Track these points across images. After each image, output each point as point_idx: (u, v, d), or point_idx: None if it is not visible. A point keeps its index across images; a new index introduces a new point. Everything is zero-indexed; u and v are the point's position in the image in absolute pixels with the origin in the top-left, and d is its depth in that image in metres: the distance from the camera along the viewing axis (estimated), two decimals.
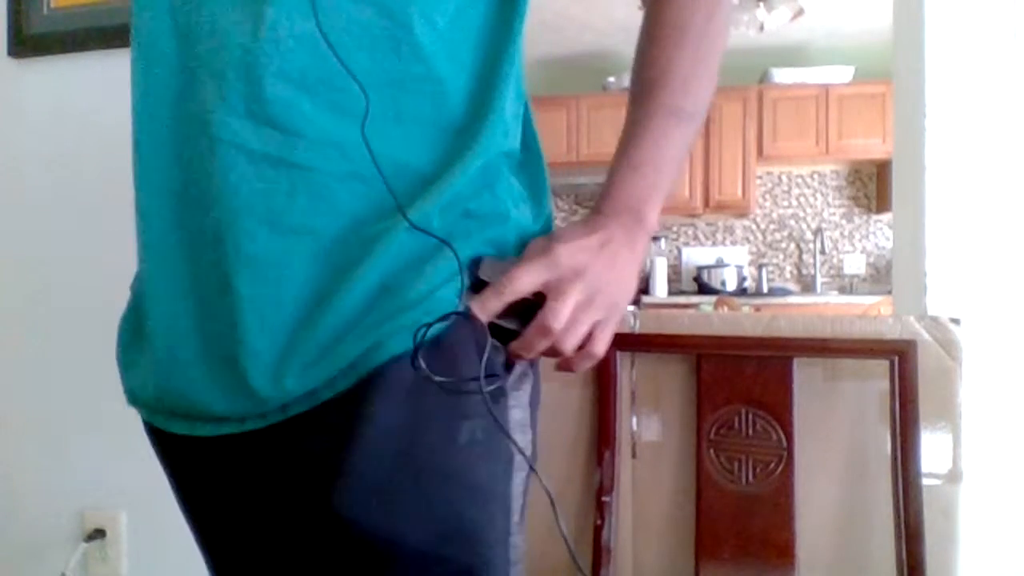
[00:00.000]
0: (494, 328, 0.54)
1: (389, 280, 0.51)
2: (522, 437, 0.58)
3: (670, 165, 0.61)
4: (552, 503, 0.51)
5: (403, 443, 0.50)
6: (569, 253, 0.55)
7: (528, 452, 0.59)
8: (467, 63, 0.56)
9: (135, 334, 0.60)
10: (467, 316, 0.52)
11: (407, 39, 0.52)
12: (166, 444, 0.61)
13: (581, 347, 0.57)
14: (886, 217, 4.59)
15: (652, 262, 4.60)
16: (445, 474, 0.51)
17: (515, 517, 0.58)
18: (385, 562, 0.50)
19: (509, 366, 0.57)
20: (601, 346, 0.58)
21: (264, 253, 0.50)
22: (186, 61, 0.53)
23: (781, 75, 4.42)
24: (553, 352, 0.56)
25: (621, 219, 0.58)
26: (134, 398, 0.60)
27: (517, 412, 0.58)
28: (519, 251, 0.57)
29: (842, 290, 4.59)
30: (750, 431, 1.09)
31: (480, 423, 0.52)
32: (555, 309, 0.53)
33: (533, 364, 0.61)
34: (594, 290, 0.55)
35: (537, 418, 0.62)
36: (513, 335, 0.55)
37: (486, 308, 0.52)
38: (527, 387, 0.59)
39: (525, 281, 0.53)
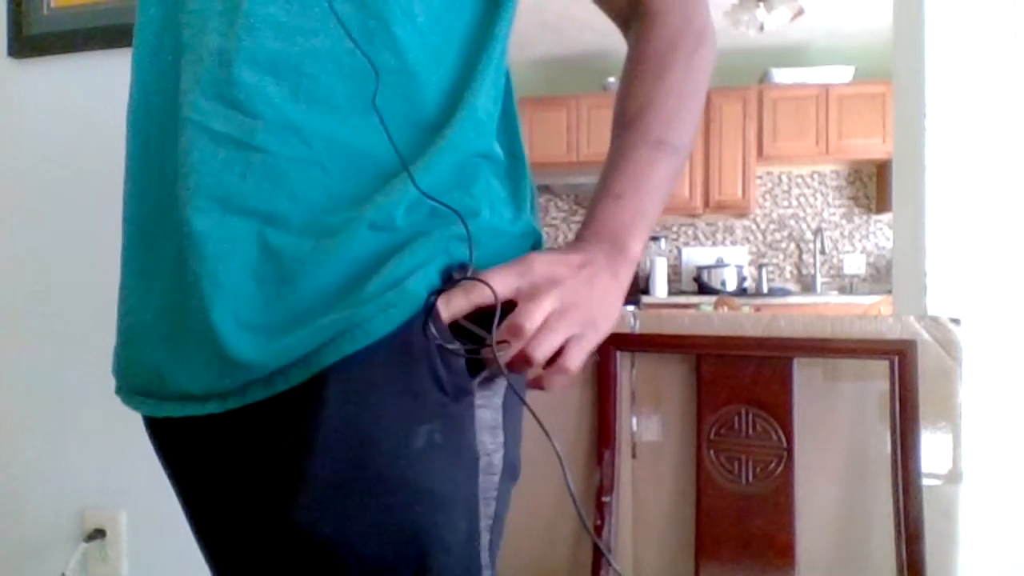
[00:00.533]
0: (459, 329, 0.52)
1: (351, 278, 0.50)
2: (491, 439, 0.56)
3: (654, 196, 0.60)
4: (560, 459, 0.50)
5: (358, 450, 0.49)
6: (544, 263, 0.54)
7: (500, 455, 0.57)
8: (446, 60, 0.55)
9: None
10: (431, 312, 0.50)
11: (380, 31, 0.52)
12: (153, 430, 0.61)
13: (553, 361, 0.55)
14: (886, 217, 4.59)
15: (652, 262, 4.60)
16: (399, 480, 0.50)
17: (484, 521, 0.56)
18: (340, 570, 0.50)
19: (474, 369, 0.55)
20: (574, 361, 0.55)
21: (213, 231, 0.50)
22: (172, 48, 0.54)
23: (781, 75, 4.41)
24: (523, 360, 0.53)
25: (603, 247, 0.58)
26: (116, 384, 0.61)
27: (486, 413, 0.56)
28: (491, 247, 0.56)
29: (842, 290, 4.59)
30: (750, 431, 1.09)
31: (439, 425, 0.51)
32: (527, 309, 0.52)
33: None
34: (570, 302, 0.54)
35: (517, 420, 0.60)
36: (478, 340, 0.53)
37: (451, 306, 0.51)
38: (499, 388, 0.57)
39: (496, 284, 0.52)
